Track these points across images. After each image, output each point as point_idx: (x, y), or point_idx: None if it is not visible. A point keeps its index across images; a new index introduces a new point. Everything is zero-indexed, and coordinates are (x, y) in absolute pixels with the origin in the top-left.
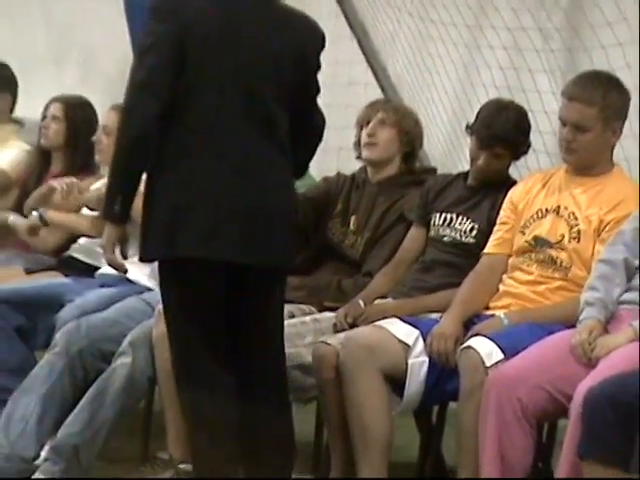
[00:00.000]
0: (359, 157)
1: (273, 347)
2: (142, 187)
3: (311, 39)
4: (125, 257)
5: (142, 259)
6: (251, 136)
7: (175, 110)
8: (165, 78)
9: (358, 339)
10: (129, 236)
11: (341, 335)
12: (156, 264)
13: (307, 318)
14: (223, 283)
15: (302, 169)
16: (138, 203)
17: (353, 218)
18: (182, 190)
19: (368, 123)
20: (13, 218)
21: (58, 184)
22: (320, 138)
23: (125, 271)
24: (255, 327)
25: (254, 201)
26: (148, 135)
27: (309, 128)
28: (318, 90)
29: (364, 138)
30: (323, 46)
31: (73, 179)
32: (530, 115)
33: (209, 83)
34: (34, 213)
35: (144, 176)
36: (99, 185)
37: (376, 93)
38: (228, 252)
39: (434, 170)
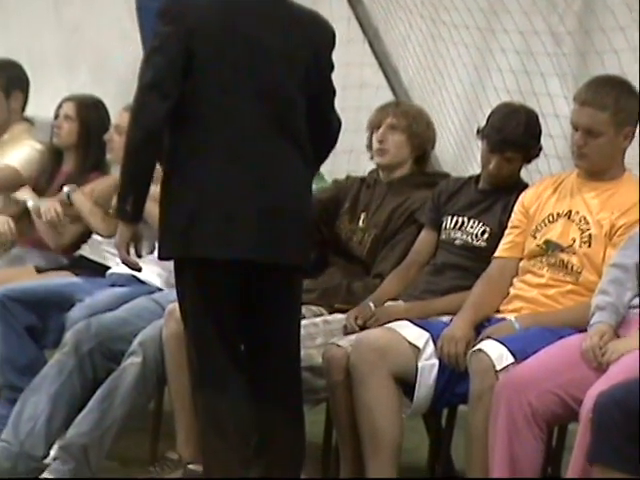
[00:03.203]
0: (372, 158)
1: (288, 348)
2: (155, 189)
3: (322, 37)
4: (139, 256)
5: (160, 257)
6: (265, 135)
7: (186, 110)
8: (172, 79)
9: (369, 341)
10: (142, 235)
11: (351, 337)
12: (168, 264)
13: (317, 319)
14: (239, 283)
15: (315, 169)
16: (149, 205)
17: (363, 215)
18: (196, 191)
19: (379, 127)
20: (32, 202)
21: (43, 212)
22: (335, 141)
23: (139, 269)
24: (271, 328)
25: (269, 201)
26: (155, 135)
27: (326, 132)
28: (334, 93)
29: (375, 144)
30: (334, 44)
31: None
32: (541, 119)
33: (219, 84)
34: (65, 189)
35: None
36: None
37: (387, 95)
38: (243, 251)
39: (447, 175)
